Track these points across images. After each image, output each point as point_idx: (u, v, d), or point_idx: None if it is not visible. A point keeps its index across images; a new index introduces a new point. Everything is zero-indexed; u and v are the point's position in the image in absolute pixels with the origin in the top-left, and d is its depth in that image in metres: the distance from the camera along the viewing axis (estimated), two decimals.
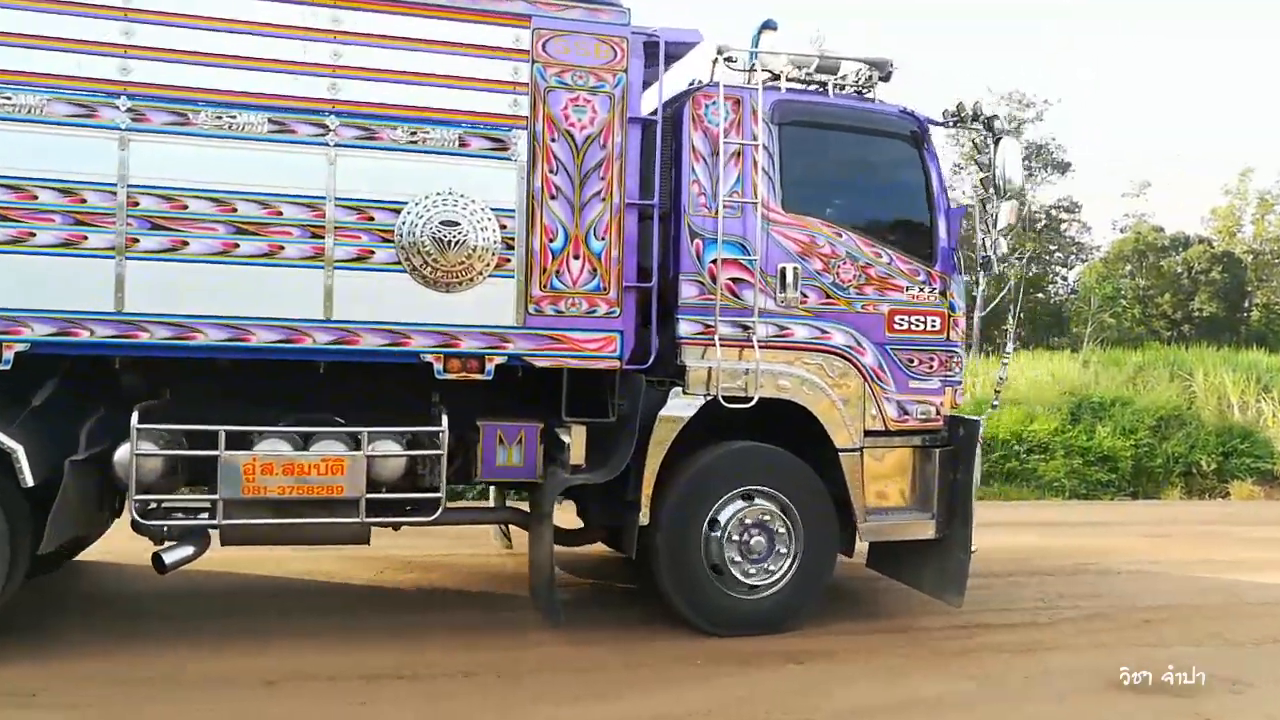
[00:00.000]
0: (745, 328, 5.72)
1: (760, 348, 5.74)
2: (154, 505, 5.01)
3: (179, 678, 4.80)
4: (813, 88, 6.10)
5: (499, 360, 5.32)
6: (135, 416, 4.88)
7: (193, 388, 5.33)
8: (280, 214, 4.99)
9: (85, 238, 4.77)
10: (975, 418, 6.22)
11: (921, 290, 6.12)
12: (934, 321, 6.15)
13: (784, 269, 5.78)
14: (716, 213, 5.66)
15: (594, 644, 5.56)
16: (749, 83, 5.85)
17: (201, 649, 5.18)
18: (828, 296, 5.91)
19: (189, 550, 5.11)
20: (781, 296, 5.79)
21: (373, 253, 5.12)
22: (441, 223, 5.15)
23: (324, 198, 5.04)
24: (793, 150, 5.89)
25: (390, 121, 5.13)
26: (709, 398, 5.63)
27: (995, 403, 7.47)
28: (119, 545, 6.34)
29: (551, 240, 5.36)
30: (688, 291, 5.68)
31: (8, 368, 4.70)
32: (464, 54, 5.23)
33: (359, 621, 5.86)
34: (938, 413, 6.15)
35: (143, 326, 4.85)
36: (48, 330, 4.74)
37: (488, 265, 5.26)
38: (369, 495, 5.17)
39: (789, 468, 5.85)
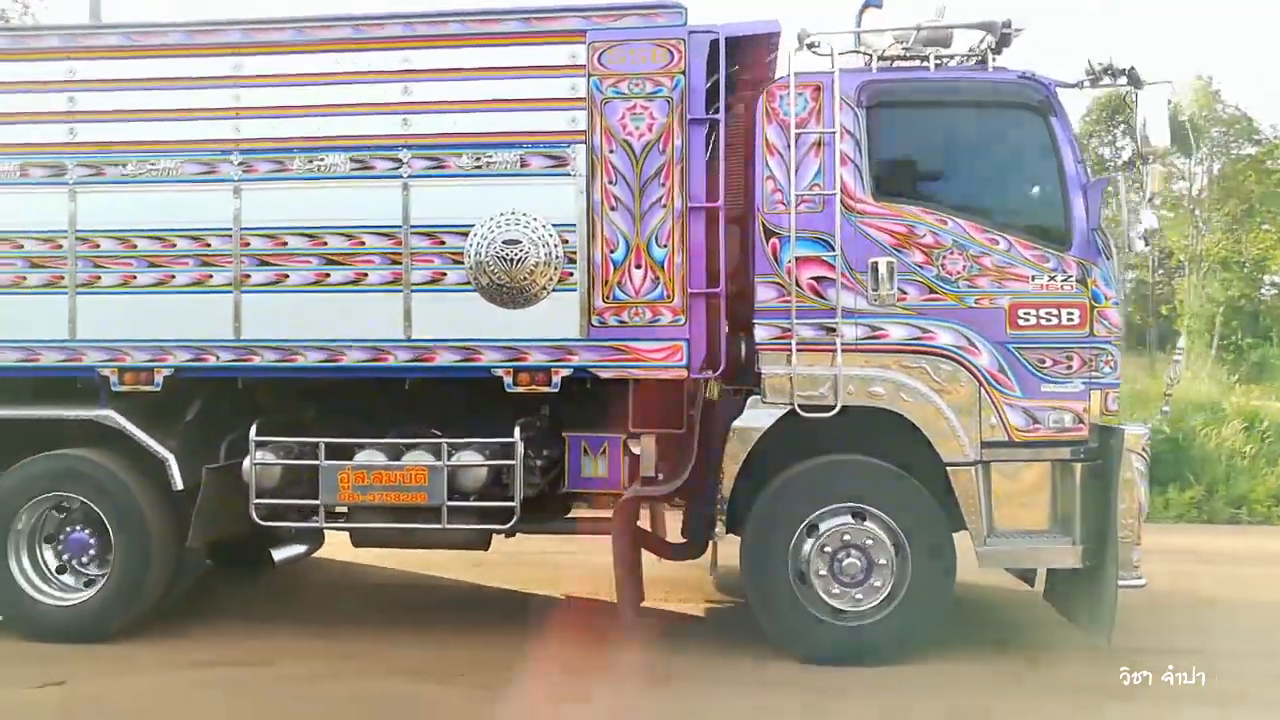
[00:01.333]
0: (829, 330, 5.29)
1: (848, 351, 5.28)
2: (272, 508, 5.65)
3: None
4: (922, 64, 5.50)
5: (565, 372, 5.39)
6: (254, 430, 5.58)
7: (321, 405, 5.96)
8: (363, 244, 5.46)
9: (210, 276, 5.55)
10: (1127, 425, 5.24)
11: (1053, 279, 5.27)
12: (1071, 314, 5.26)
13: (875, 263, 5.27)
14: (793, 209, 5.30)
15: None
16: (832, 67, 5.40)
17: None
18: (931, 291, 5.29)
19: (299, 550, 5.73)
20: (874, 294, 5.28)
21: (445, 274, 5.42)
22: (505, 242, 5.33)
23: (400, 226, 5.44)
24: (885, 134, 5.36)
25: (456, 149, 5.42)
26: (790, 407, 5.28)
27: (1166, 408, 6.19)
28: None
29: (612, 251, 5.34)
30: (764, 294, 5.37)
31: (159, 389, 5.59)
32: (522, 76, 5.39)
33: None
34: (1080, 420, 5.25)
35: (255, 351, 5.54)
36: (186, 357, 5.58)
37: (550, 280, 5.36)
38: (450, 503, 5.46)
39: (892, 484, 5.29)
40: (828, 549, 5.27)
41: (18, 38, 5.99)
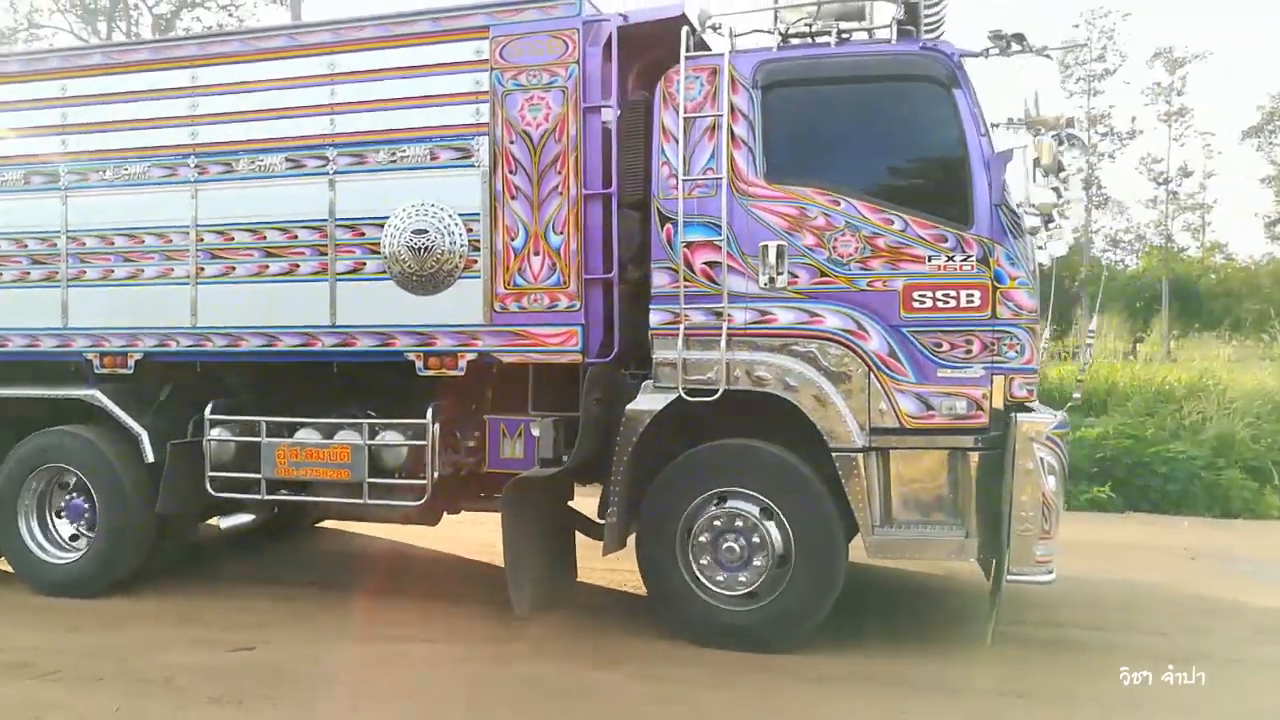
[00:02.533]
0: (719, 314, 5.26)
1: (738, 336, 5.24)
2: (224, 481, 6.16)
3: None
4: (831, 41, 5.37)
5: (470, 356, 5.62)
6: (209, 409, 6.12)
7: (286, 388, 6.39)
8: (296, 237, 5.89)
9: (173, 270, 6.12)
10: (1034, 414, 4.95)
11: (951, 259, 5.03)
12: (971, 296, 5.01)
13: (766, 247, 5.20)
14: (688, 194, 5.30)
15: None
16: (725, 48, 5.35)
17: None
18: (823, 274, 5.17)
19: (246, 519, 6.22)
20: (765, 279, 5.21)
21: (365, 264, 5.77)
22: (414, 232, 5.62)
23: (326, 220, 5.82)
24: (781, 114, 5.27)
25: (375, 146, 5.74)
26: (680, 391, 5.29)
27: (1077, 394, 5.87)
28: None
29: (513, 239, 5.52)
30: (659, 280, 5.39)
31: (131, 372, 6.22)
32: (433, 74, 5.65)
33: None
34: (978, 407, 5.00)
35: (208, 337, 6.07)
36: (152, 342, 6.18)
37: (456, 267, 5.60)
38: (370, 480, 5.80)
39: (776, 469, 5.22)
40: (712, 534, 5.25)
41: (26, 60, 6.77)
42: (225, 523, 6.25)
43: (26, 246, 6.42)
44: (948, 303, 5.03)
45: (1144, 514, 9.60)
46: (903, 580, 6.71)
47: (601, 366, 5.44)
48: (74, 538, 6.47)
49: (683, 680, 4.89)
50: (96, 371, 6.29)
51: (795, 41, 5.47)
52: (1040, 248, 6.99)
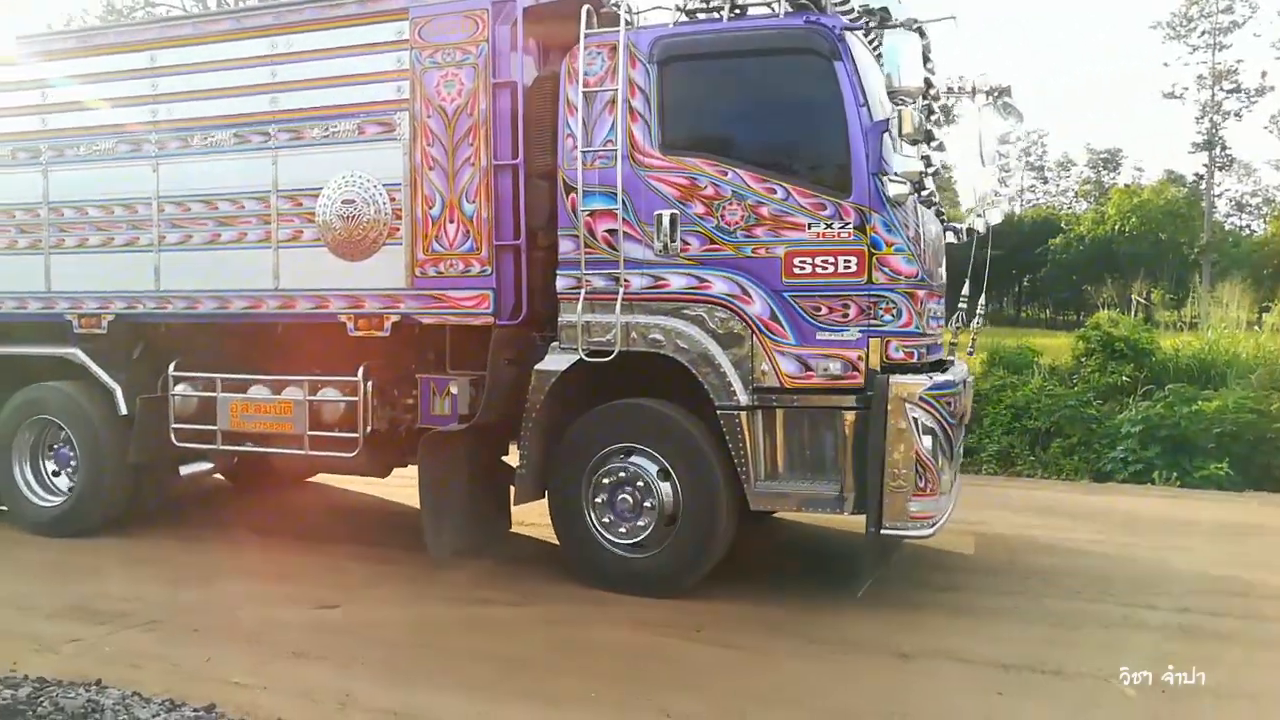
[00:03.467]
0: (617, 279, 5.56)
1: (635, 300, 5.54)
2: (185, 432, 6.70)
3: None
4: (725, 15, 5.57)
5: (394, 319, 6.02)
6: (172, 367, 6.65)
7: (242, 347, 6.89)
8: (243, 208, 6.35)
9: (138, 238, 6.65)
10: (907, 375, 5.15)
11: (829, 227, 5.24)
12: (849, 262, 5.22)
13: (659, 216, 5.47)
14: (589, 165, 5.59)
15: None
16: (621, 25, 5.58)
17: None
18: (711, 242, 5.42)
19: (205, 466, 6.77)
20: (659, 246, 5.49)
21: (302, 232, 6.20)
22: (343, 201, 6.03)
23: (270, 191, 6.26)
24: (674, 88, 5.52)
25: (311, 122, 6.15)
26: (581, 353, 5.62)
27: (971, 349, 5.98)
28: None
29: (431, 207, 5.88)
30: (565, 246, 5.71)
31: (105, 332, 6.79)
32: (360, 54, 6.02)
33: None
34: (853, 368, 5.23)
35: (169, 300, 6.60)
36: (122, 305, 6.74)
37: (381, 234, 5.99)
38: (310, 433, 6.27)
39: (667, 426, 5.53)
40: (612, 487, 5.59)
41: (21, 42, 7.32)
42: (185, 469, 6.79)
43: (14, 217, 7.02)
44: (826, 268, 5.25)
45: (1267, 493, 8.99)
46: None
47: (508, 329, 5.78)
48: (61, 483, 7.10)
49: (763, 649, 4.89)
50: (76, 332, 6.87)
51: (701, 17, 5.69)
52: (979, 215, 7.20)
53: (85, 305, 6.84)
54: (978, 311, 7.17)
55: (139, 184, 6.62)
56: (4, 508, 7.24)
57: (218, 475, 8.24)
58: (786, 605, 5.47)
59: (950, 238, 7.34)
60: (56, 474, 7.13)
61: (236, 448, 6.61)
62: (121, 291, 6.73)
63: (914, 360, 5.32)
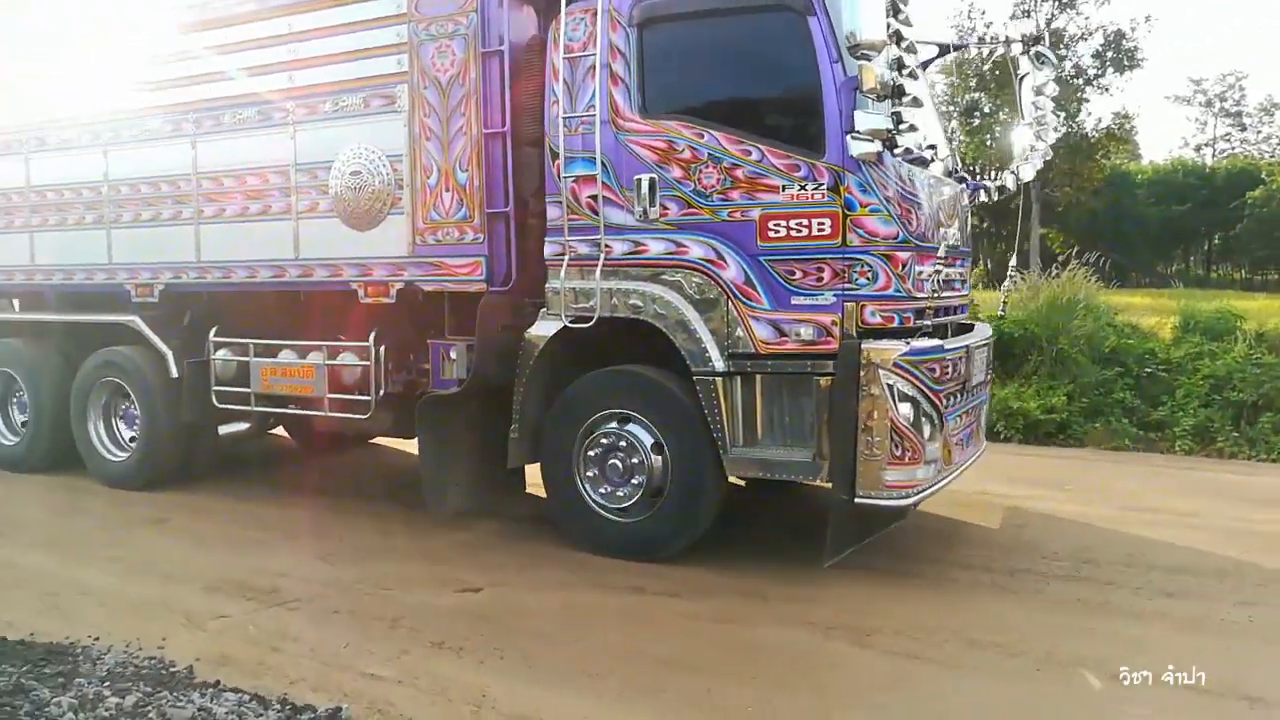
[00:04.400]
0: (600, 245, 5.58)
1: (617, 266, 5.55)
2: (224, 394, 7.14)
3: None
4: None
5: (399, 285, 6.23)
6: (212, 333, 7.10)
7: (278, 314, 7.25)
8: (268, 181, 6.68)
9: (181, 212, 7.09)
10: (883, 341, 4.99)
11: (803, 188, 5.10)
12: (822, 224, 5.07)
13: (639, 180, 5.45)
14: (573, 130, 5.62)
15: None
16: None
17: None
18: (689, 206, 5.37)
19: (242, 426, 7.20)
20: (639, 211, 5.47)
21: (318, 204, 6.47)
22: (350, 173, 6.26)
23: (290, 165, 6.56)
24: (654, 50, 5.47)
25: (323, 98, 6.39)
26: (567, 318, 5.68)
27: (1002, 312, 5.63)
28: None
29: (429, 177, 6.04)
30: (552, 213, 5.76)
31: (156, 300, 7.30)
32: (366, 29, 6.19)
33: None
34: (827, 334, 5.09)
35: (208, 270, 7.03)
36: (169, 276, 7.22)
37: (385, 204, 6.19)
38: (329, 395, 6.60)
39: (653, 392, 5.54)
40: (602, 453, 5.66)
41: None
42: (224, 429, 7.26)
43: (82, 195, 7.60)
44: (800, 231, 5.12)
45: None
46: None
47: (499, 295, 5.89)
48: (131, 440, 7.71)
49: (945, 660, 4.33)
50: (133, 300, 7.42)
51: None
52: (1012, 172, 6.87)
53: (140, 276, 7.36)
54: (1009, 273, 6.84)
55: (180, 161, 7.05)
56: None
57: (282, 433, 8.80)
58: (955, 610, 4.94)
59: (984, 196, 7.04)
60: (130, 436, 7.74)
61: (266, 409, 7.02)
62: (169, 263, 7.21)
63: (894, 324, 5.14)
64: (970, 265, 6.66)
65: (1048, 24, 32.76)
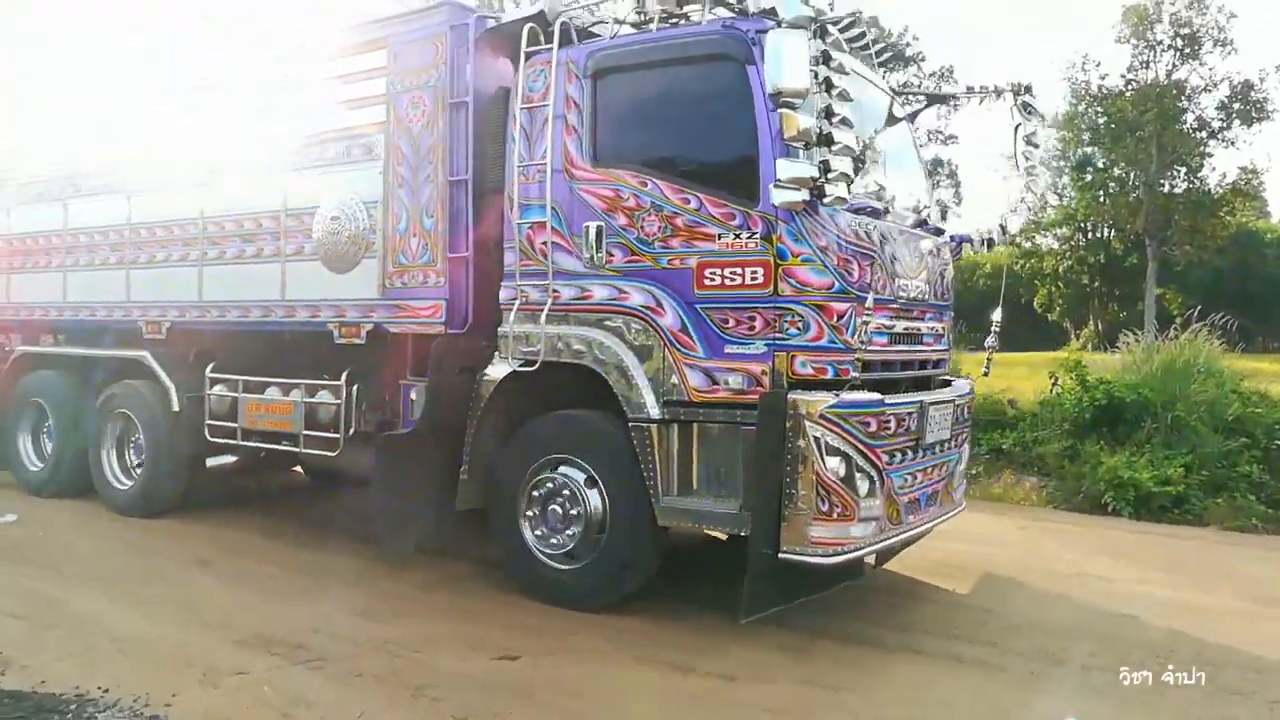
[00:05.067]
0: (549, 290, 5.65)
1: (562, 310, 5.61)
2: (216, 428, 7.40)
3: None
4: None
5: (368, 327, 6.41)
6: (208, 369, 7.40)
7: (268, 352, 7.45)
8: (261, 225, 6.99)
9: (188, 254, 7.47)
10: (813, 393, 4.88)
11: (738, 237, 5.08)
12: (755, 273, 5.04)
13: (588, 227, 5.52)
14: (529, 178, 5.74)
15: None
16: (555, 43, 5.66)
17: None
18: (633, 253, 5.40)
19: (229, 459, 7.43)
20: (586, 257, 5.53)
21: (303, 248, 6.74)
22: (330, 218, 6.51)
23: (280, 210, 6.86)
24: (605, 101, 5.57)
25: (312, 146, 6.68)
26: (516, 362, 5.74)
27: (986, 371, 5.55)
28: None
29: (399, 223, 6.23)
30: (509, 259, 5.87)
31: (164, 337, 7.66)
32: (356, 80, 6.49)
33: None
34: (756, 383, 5.02)
35: (207, 309, 7.35)
36: (176, 314, 7.58)
37: (360, 249, 6.41)
38: (305, 432, 6.78)
39: (596, 438, 5.54)
40: (544, 497, 5.66)
41: None
42: (211, 462, 7.51)
43: (109, 236, 8.07)
44: (734, 279, 5.09)
45: None
46: None
47: (455, 338, 6.00)
48: (138, 468, 8.04)
49: None
50: (145, 337, 7.79)
51: (635, 29, 5.70)
52: (1000, 224, 6.77)
53: (150, 314, 7.75)
54: (993, 329, 6.66)
55: (188, 207, 7.44)
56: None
57: (299, 470, 9.05)
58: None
59: (971, 247, 6.93)
60: (136, 464, 8.07)
61: (250, 443, 7.25)
62: (175, 301, 7.58)
63: (828, 376, 5.03)
64: (949, 319, 6.49)
65: (1168, 75, 31.63)
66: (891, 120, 6.34)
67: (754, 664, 4.86)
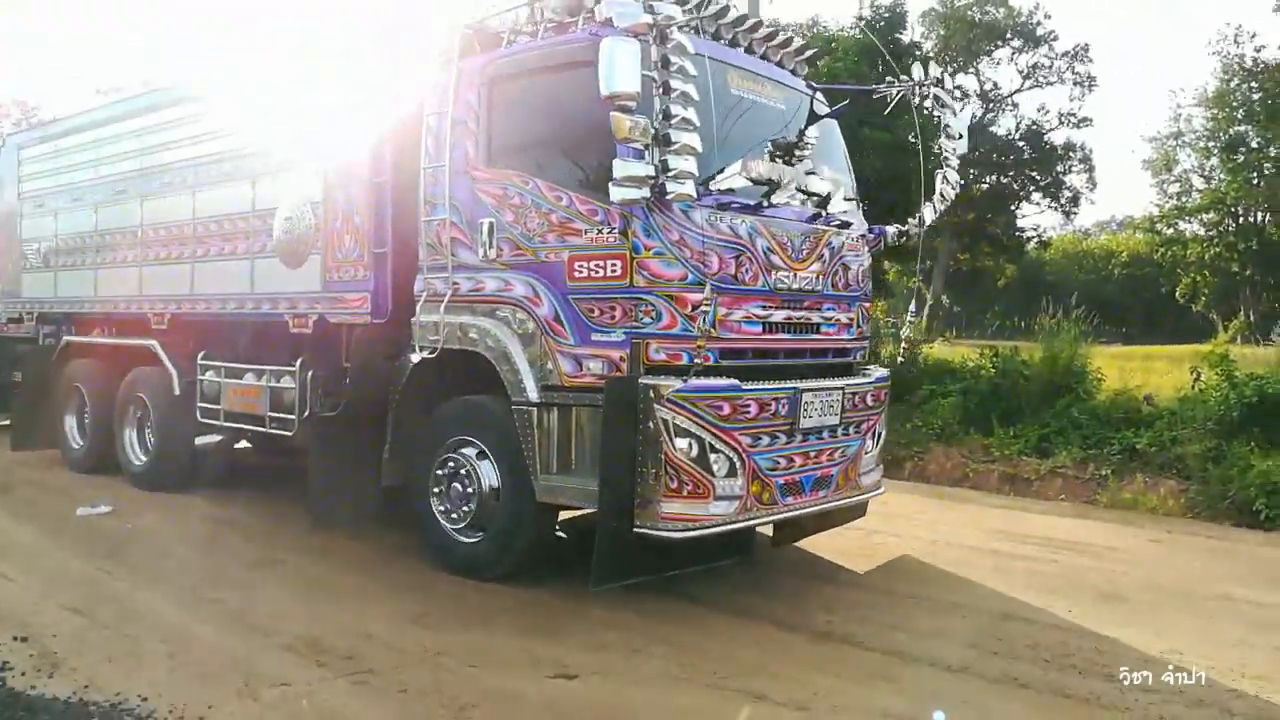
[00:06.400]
0: (449, 282, 6.09)
1: (461, 302, 6.04)
2: (205, 410, 8.15)
3: None
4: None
5: (314, 317, 7.00)
6: (199, 357, 8.16)
7: (247, 340, 8.13)
8: (237, 225, 7.68)
9: (183, 252, 8.24)
10: (662, 378, 5.18)
11: (600, 232, 5.42)
12: (614, 266, 5.36)
13: (482, 224, 5.94)
14: (436, 179, 6.19)
15: None
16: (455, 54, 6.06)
17: None
18: (518, 248, 5.80)
19: (216, 438, 8.16)
20: (481, 251, 5.96)
21: (266, 245, 7.39)
22: (285, 218, 7.13)
23: (250, 211, 7.53)
24: (497, 106, 5.97)
25: (273, 152, 7.31)
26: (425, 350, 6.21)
27: (901, 358, 5.52)
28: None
29: (336, 221, 6.79)
30: (421, 254, 6.34)
31: (166, 327, 8.47)
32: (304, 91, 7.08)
33: None
34: (616, 369, 5.34)
35: (197, 302, 8.11)
36: (174, 307, 8.37)
37: (308, 246, 7.01)
38: (269, 414, 7.44)
39: (490, 420, 5.96)
40: (448, 475, 6.13)
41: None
42: (200, 440, 8.27)
43: (125, 236, 8.95)
44: (598, 272, 5.43)
45: None
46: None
47: (374, 327, 6.52)
48: (151, 446, 8.90)
49: None
50: (153, 327, 8.63)
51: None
52: (917, 215, 6.87)
53: (154, 306, 8.58)
54: (908, 319, 6.75)
55: (182, 210, 8.21)
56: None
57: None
58: None
59: (887, 240, 7.04)
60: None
61: (227, 424, 7.97)
62: (175, 295, 8.37)
63: (683, 362, 5.31)
64: (860, 308, 6.61)
65: None
66: (813, 118, 6.47)
67: (831, 692, 4.49)
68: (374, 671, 4.63)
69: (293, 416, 7.26)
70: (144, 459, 8.88)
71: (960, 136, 6.83)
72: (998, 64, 40.57)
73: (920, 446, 10.95)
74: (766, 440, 5.56)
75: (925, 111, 6.72)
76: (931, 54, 29.95)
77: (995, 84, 41.34)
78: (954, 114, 6.81)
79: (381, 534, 6.95)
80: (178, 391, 8.37)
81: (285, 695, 4.34)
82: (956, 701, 4.41)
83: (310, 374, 7.23)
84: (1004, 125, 41.21)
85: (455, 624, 5.36)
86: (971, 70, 39.01)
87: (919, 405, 11.85)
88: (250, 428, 7.87)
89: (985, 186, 39.03)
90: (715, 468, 5.27)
